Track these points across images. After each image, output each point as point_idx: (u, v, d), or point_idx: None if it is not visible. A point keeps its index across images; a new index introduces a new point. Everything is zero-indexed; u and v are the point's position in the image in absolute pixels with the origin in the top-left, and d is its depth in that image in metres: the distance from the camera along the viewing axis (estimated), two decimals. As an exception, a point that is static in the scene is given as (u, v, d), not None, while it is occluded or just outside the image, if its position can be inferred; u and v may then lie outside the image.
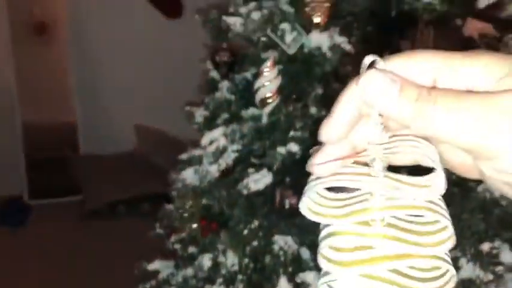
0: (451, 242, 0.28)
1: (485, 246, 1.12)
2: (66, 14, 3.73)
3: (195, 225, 1.50)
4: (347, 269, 0.28)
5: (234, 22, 1.25)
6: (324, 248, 0.29)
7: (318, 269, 1.01)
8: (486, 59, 0.27)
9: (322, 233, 0.30)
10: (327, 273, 0.29)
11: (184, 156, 1.54)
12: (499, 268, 1.10)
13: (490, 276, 1.09)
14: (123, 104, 3.57)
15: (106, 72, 3.59)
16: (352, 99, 0.28)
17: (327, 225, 0.30)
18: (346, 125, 0.28)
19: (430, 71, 0.27)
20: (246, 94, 1.44)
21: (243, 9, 1.27)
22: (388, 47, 1.30)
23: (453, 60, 0.27)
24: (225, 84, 1.46)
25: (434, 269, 0.28)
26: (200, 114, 1.54)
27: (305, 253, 1.32)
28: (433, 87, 0.27)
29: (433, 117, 0.26)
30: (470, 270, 1.12)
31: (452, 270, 0.28)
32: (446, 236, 0.28)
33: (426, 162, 0.28)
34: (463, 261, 1.14)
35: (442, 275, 0.28)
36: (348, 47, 1.26)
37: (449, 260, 0.28)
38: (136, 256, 1.71)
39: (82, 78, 3.64)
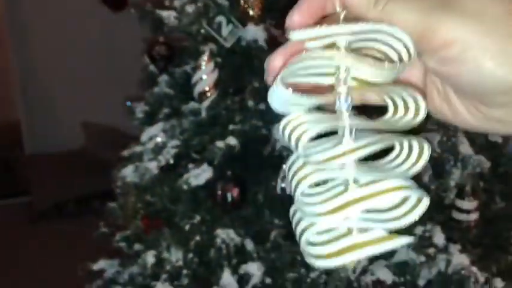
0: (424, 160, 0.29)
1: (418, 230, 1.16)
2: (7, 9, 3.56)
3: (139, 223, 1.48)
4: (328, 217, 0.28)
5: (168, 15, 1.24)
6: (301, 202, 0.29)
7: (261, 259, 1.02)
8: None
9: (291, 172, 0.30)
10: (310, 225, 0.29)
11: (126, 153, 1.52)
12: (431, 250, 1.15)
13: (422, 258, 1.13)
14: (69, 100, 3.47)
15: (50, 68, 3.47)
16: None
17: (293, 162, 0.30)
18: (314, 8, 0.30)
19: None
20: (186, 88, 1.42)
21: (177, 2, 1.25)
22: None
23: None
24: (163, 79, 1.45)
25: (404, 201, 0.29)
26: (140, 109, 1.52)
27: (249, 244, 1.33)
28: None
29: (387, 8, 0.28)
30: (404, 253, 1.16)
31: (422, 193, 0.28)
32: (415, 158, 0.29)
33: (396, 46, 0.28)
34: (398, 245, 1.17)
35: (414, 207, 0.29)
36: (283, 39, 1.27)
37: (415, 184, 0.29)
38: (85, 256, 1.67)
39: (25, 74, 3.50)
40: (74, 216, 3.18)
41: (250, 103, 1.24)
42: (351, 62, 0.28)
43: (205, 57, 1.26)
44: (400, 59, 0.28)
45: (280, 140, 0.29)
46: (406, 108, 0.30)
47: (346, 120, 0.28)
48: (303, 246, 0.29)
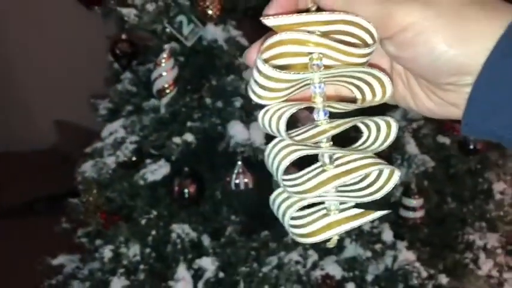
0: (393, 136, 0.32)
1: (366, 226, 1.20)
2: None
3: (99, 218, 1.49)
4: (308, 195, 0.31)
5: (129, 13, 1.26)
6: (283, 183, 0.32)
7: (216, 254, 1.05)
8: None
9: (273, 153, 0.32)
10: (292, 203, 0.32)
11: (88, 149, 1.53)
12: (378, 246, 1.19)
13: (369, 253, 1.17)
14: (41, 98, 3.44)
15: (21, 66, 3.44)
16: None
17: (275, 145, 0.32)
18: (288, 3, 0.32)
19: None
20: (149, 85, 1.44)
21: (138, 0, 1.27)
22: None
23: None
24: (126, 76, 1.46)
25: (378, 178, 0.32)
26: (104, 106, 1.53)
27: (206, 240, 1.35)
28: None
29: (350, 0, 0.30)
30: (353, 249, 1.19)
31: (393, 168, 0.32)
32: (384, 137, 0.32)
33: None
34: (347, 241, 1.21)
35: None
36: (242, 40, 1.30)
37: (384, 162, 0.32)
38: (50, 253, 1.67)
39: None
40: (44, 214, 3.15)
41: (208, 101, 1.27)
42: (325, 44, 0.30)
43: (164, 54, 1.28)
44: (366, 45, 0.31)
45: (261, 129, 0.31)
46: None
47: (319, 100, 0.31)
48: (287, 226, 0.32)
